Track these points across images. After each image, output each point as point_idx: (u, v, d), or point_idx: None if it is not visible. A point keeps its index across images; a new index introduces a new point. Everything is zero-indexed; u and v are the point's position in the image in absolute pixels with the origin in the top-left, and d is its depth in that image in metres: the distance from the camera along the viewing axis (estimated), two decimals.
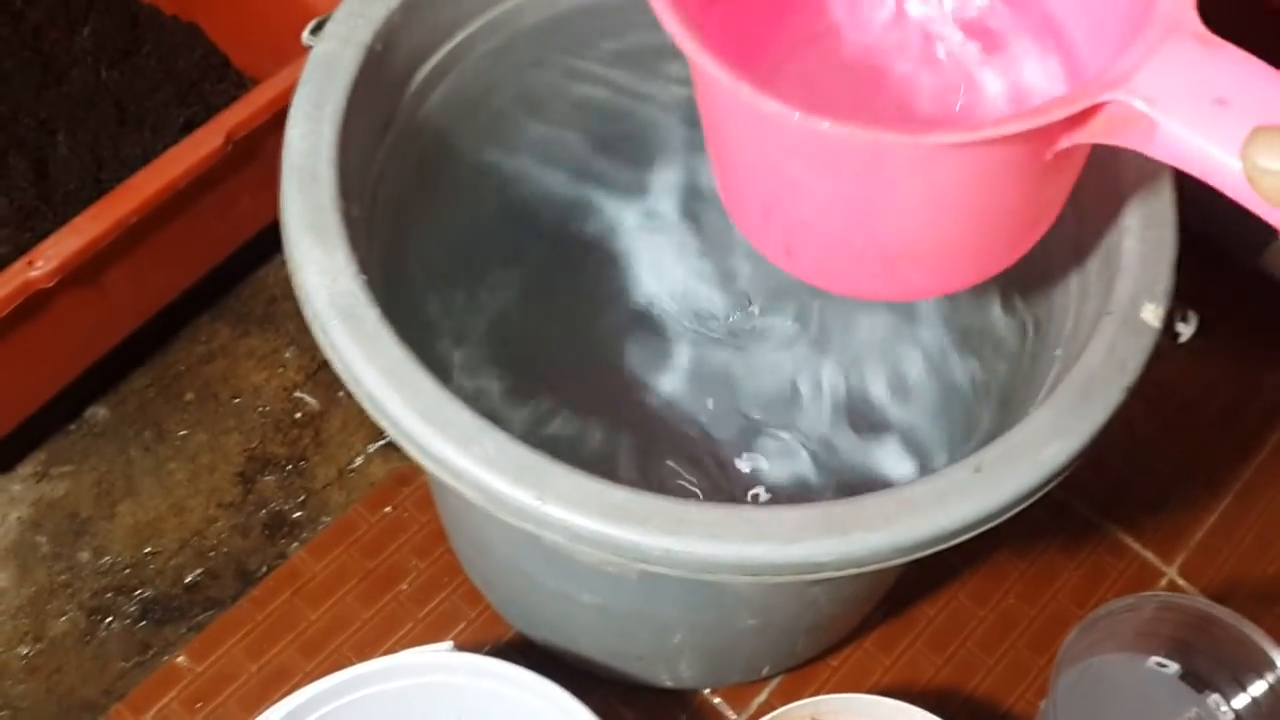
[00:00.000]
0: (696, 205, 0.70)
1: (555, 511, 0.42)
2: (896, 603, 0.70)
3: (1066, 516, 0.73)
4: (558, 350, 0.69)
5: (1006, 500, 0.44)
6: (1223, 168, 0.35)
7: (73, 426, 0.76)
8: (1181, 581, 0.72)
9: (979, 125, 0.37)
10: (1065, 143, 0.39)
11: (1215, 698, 0.57)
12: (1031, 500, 0.45)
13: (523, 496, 0.42)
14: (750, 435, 0.68)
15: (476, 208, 0.63)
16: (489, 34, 0.58)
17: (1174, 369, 0.79)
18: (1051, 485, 0.45)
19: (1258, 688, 0.55)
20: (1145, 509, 0.74)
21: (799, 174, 0.43)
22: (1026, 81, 0.49)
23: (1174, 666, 0.58)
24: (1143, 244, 0.49)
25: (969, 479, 0.44)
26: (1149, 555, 0.72)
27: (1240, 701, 0.56)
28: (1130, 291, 0.48)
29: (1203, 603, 0.56)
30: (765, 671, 0.65)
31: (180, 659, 0.66)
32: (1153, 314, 0.47)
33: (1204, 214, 0.49)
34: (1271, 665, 0.55)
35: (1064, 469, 0.45)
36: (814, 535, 0.42)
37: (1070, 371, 0.46)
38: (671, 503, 0.43)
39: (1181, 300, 0.50)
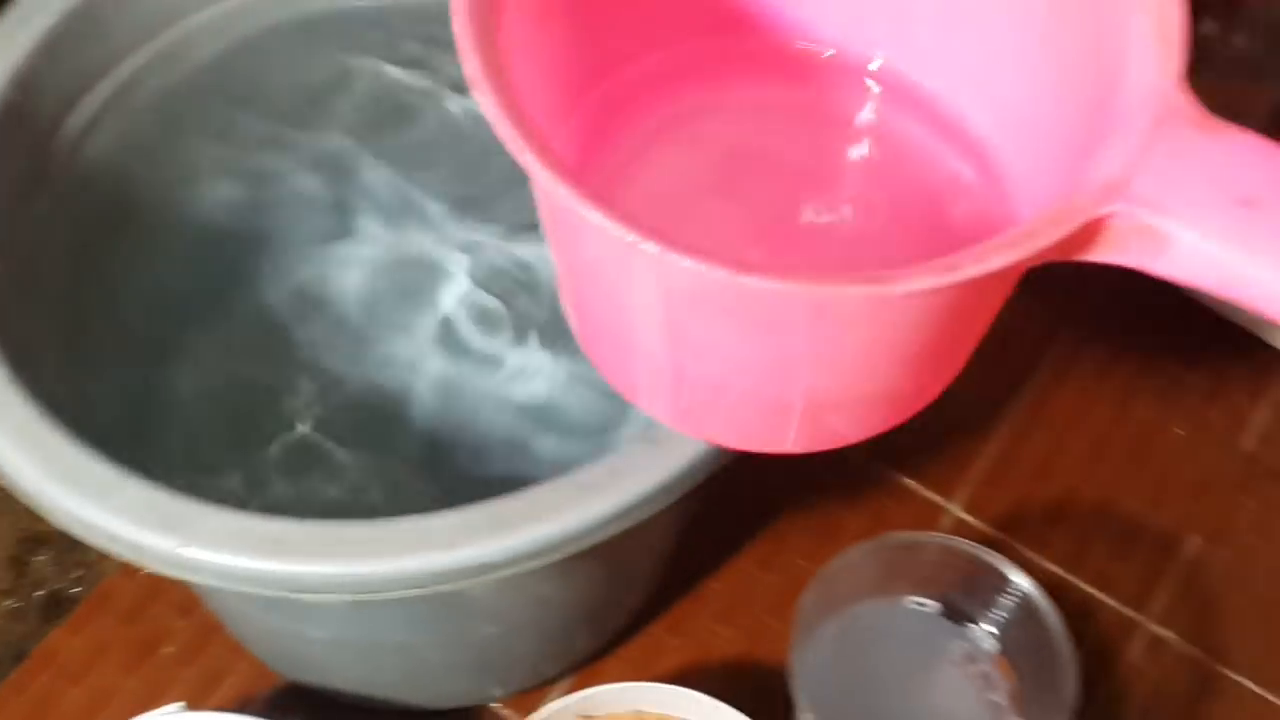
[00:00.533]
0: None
1: (199, 554, 0.40)
2: (682, 583, 0.68)
3: (843, 468, 0.73)
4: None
5: (685, 468, 0.43)
6: (1261, 283, 0.30)
7: None
8: (966, 517, 0.71)
9: (955, 264, 0.32)
10: (1042, 261, 0.34)
11: (976, 629, 0.56)
12: (718, 463, 0.44)
13: (164, 543, 0.40)
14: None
15: (172, 260, 0.61)
16: (157, 69, 0.56)
17: None
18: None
19: (1006, 608, 0.55)
20: (922, 450, 0.73)
21: (713, 331, 0.37)
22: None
23: (932, 604, 0.57)
24: None
25: (644, 452, 0.43)
26: (931, 495, 0.72)
27: (996, 624, 0.56)
28: None
29: (936, 537, 0.55)
30: (552, 673, 0.64)
31: None
32: None
33: None
34: (1010, 584, 0.54)
35: None
36: (479, 537, 0.41)
37: None
38: (325, 526, 0.41)
39: None
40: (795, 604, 0.67)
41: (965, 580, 0.55)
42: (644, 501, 0.42)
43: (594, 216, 0.32)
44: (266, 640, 0.57)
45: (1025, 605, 0.54)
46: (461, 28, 0.36)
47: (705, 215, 0.45)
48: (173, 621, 0.66)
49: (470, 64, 0.35)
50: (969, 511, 0.71)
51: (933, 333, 0.38)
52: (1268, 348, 0.75)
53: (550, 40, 0.41)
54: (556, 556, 0.42)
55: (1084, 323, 0.79)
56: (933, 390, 0.44)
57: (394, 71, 0.63)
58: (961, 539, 0.55)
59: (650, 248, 0.32)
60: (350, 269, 0.69)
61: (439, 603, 0.48)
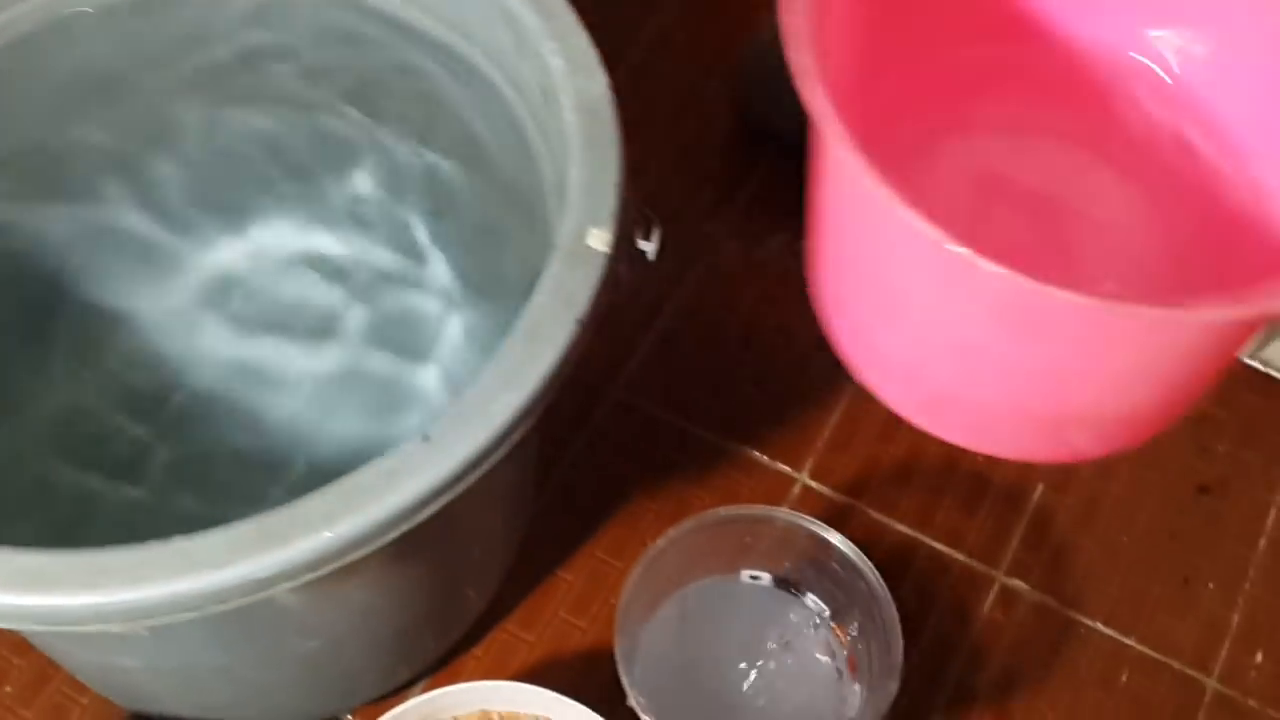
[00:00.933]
0: None
1: None
2: (531, 578, 0.68)
3: (691, 446, 0.72)
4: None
5: (461, 464, 0.42)
6: None
7: None
8: (814, 485, 0.71)
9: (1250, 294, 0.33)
10: None
11: (810, 597, 0.56)
12: (496, 456, 0.43)
13: None
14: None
15: None
16: None
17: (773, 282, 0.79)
18: (514, 436, 0.43)
19: (833, 572, 0.55)
20: (767, 422, 0.73)
21: (992, 337, 0.39)
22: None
23: (765, 576, 0.57)
24: (586, 169, 0.48)
25: (418, 451, 0.42)
26: (779, 466, 0.72)
27: (827, 590, 0.56)
28: (576, 221, 0.46)
29: (755, 509, 0.55)
30: (404, 678, 0.63)
31: None
32: (598, 239, 0.46)
33: None
34: (826, 545, 0.54)
35: (520, 419, 0.43)
36: (251, 552, 0.40)
37: (519, 319, 0.44)
38: (88, 554, 0.39)
39: (647, 217, 0.49)
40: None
41: (792, 549, 0.55)
42: (420, 503, 0.41)
43: (909, 217, 0.35)
44: (91, 672, 0.55)
45: (848, 568, 0.54)
46: (795, 23, 0.38)
47: (984, 219, 0.48)
48: (11, 660, 0.64)
49: (802, 58, 0.38)
50: (817, 479, 0.71)
51: (1199, 360, 0.39)
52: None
53: (850, 37, 0.43)
54: (335, 565, 0.41)
55: None
56: (1171, 416, 0.44)
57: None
58: (777, 508, 0.55)
59: (962, 251, 0.35)
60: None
61: (241, 621, 0.47)
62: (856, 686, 0.54)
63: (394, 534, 0.41)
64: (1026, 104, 0.50)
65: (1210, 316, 0.34)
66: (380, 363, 0.67)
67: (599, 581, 0.68)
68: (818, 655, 0.56)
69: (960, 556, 0.69)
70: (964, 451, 0.72)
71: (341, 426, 0.66)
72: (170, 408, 0.65)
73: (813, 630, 0.56)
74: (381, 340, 0.67)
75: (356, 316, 0.68)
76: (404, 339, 0.67)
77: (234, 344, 0.67)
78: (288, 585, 0.40)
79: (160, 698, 0.56)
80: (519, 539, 0.65)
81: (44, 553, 0.39)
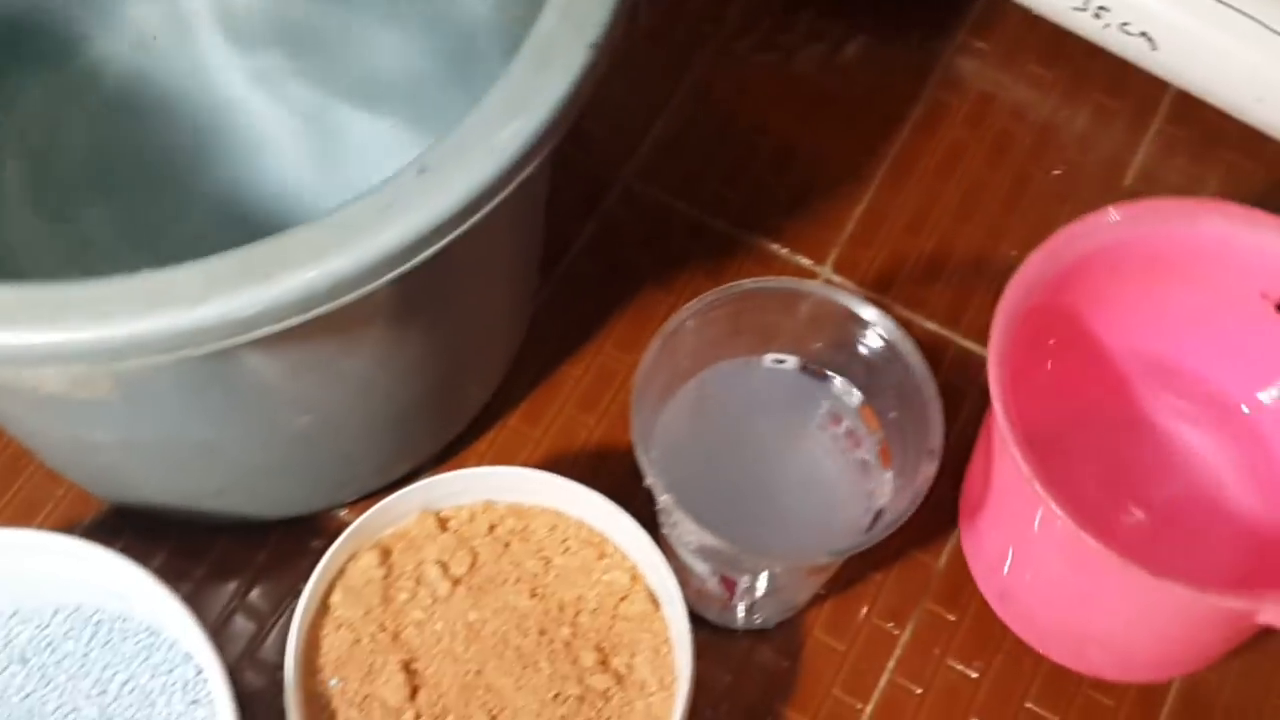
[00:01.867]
0: None
1: None
2: (539, 369, 0.64)
3: (705, 237, 0.68)
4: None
5: (462, 200, 0.37)
6: None
7: None
8: (838, 279, 0.67)
9: None
10: None
11: (839, 381, 0.52)
12: (500, 195, 0.38)
13: None
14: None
15: None
16: None
17: (813, 64, 0.73)
18: (522, 173, 0.38)
19: (867, 353, 0.51)
20: (788, 213, 0.69)
21: (1114, 601, 0.49)
22: None
23: (791, 359, 0.53)
24: None
25: (414, 183, 0.37)
26: (800, 259, 0.67)
27: (858, 373, 0.52)
28: None
29: (784, 282, 0.50)
30: (400, 473, 0.59)
31: None
32: None
33: None
34: (866, 325, 0.50)
35: (529, 151, 0.38)
36: (229, 288, 0.35)
37: (525, 41, 0.39)
38: (47, 287, 0.35)
39: None
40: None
41: (821, 330, 0.51)
42: (417, 241, 0.37)
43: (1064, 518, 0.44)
44: (63, 454, 0.51)
45: (885, 347, 0.50)
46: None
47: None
48: None
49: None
50: (841, 273, 0.67)
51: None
52: (1148, 79, 0.70)
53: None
54: (323, 309, 0.36)
55: (951, 72, 0.73)
56: (1197, 664, 0.54)
57: None
58: (811, 281, 0.50)
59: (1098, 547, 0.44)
60: None
61: (224, 386, 0.43)
62: (888, 474, 0.51)
63: (387, 276, 0.37)
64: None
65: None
66: None
67: (608, 376, 0.64)
68: (846, 443, 0.52)
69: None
70: (996, 244, 0.68)
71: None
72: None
73: (841, 417, 0.52)
74: None
75: None
76: None
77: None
78: (270, 329, 0.36)
79: (140, 484, 0.52)
80: (523, 328, 0.61)
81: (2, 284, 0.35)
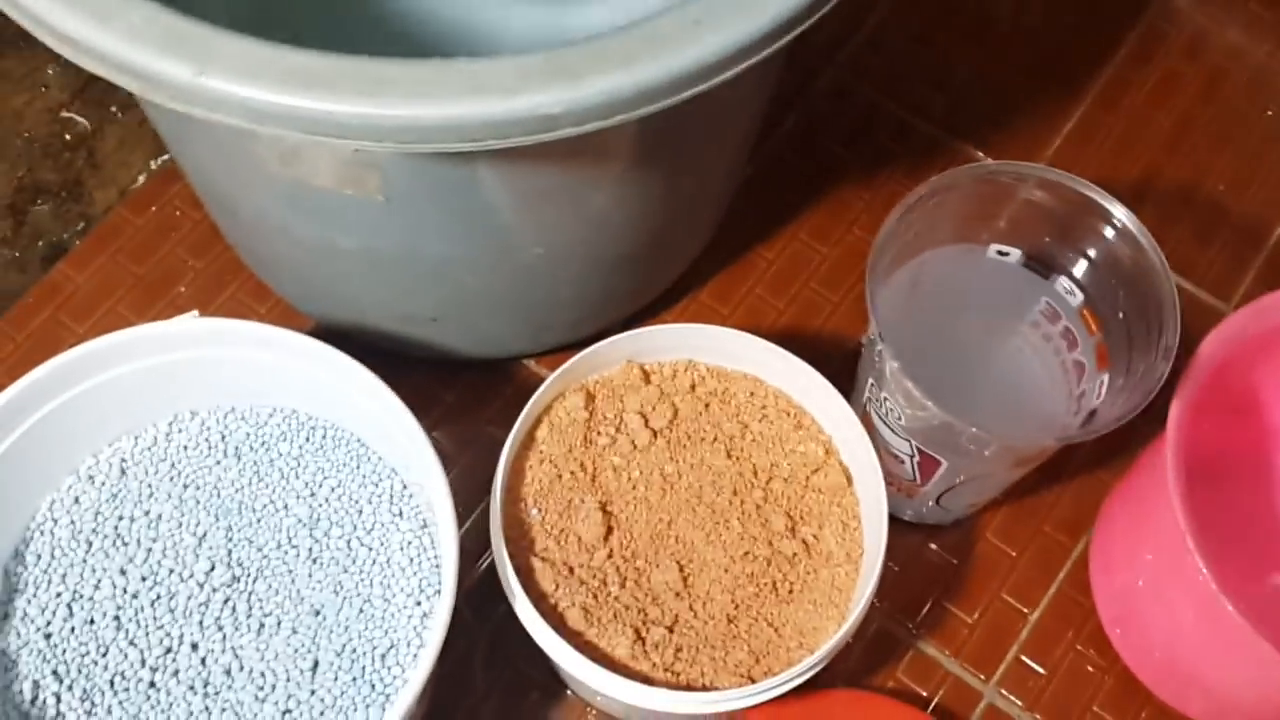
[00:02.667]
0: None
1: (220, 85, 0.35)
2: (731, 249, 0.64)
3: (911, 138, 0.67)
4: None
5: (772, 21, 0.37)
6: None
7: None
8: (1038, 194, 0.66)
9: None
10: None
11: (1062, 280, 0.52)
12: (804, 23, 0.38)
13: (178, 71, 0.35)
14: None
15: None
16: None
17: None
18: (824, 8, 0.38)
19: (1098, 249, 0.50)
20: (995, 123, 0.68)
21: (1235, 663, 0.49)
22: None
23: (1016, 253, 0.52)
24: None
25: (724, 3, 0.37)
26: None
27: (1081, 271, 0.51)
28: None
29: (1029, 167, 0.50)
30: (590, 330, 0.59)
31: None
32: None
33: None
34: (1107, 216, 0.49)
35: None
36: (541, 83, 0.36)
37: None
38: (367, 62, 0.35)
39: None
40: (853, 276, 0.63)
41: (1054, 221, 0.50)
42: (722, 60, 0.37)
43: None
44: (292, 262, 0.52)
45: (1121, 241, 0.49)
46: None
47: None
48: (187, 262, 0.62)
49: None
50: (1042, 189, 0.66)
51: None
52: None
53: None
54: (621, 117, 0.37)
55: (1170, 1, 0.72)
56: None
57: None
58: (1057, 170, 0.50)
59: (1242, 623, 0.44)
60: None
61: (479, 201, 0.44)
62: (1104, 376, 0.50)
63: (687, 92, 0.37)
64: None
65: None
66: None
67: (800, 264, 0.64)
68: (1061, 343, 0.52)
69: (1189, 287, 0.64)
70: (1203, 178, 0.67)
71: None
72: None
73: (1059, 316, 0.52)
74: None
75: None
76: None
77: None
78: (571, 131, 0.36)
79: (362, 300, 0.53)
80: (727, 201, 0.61)
81: (321, 55, 0.35)
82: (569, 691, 0.55)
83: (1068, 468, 0.59)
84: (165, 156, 0.68)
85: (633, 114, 0.37)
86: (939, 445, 0.50)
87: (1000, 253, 0.53)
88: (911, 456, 0.51)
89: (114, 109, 0.71)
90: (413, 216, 0.44)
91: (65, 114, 0.71)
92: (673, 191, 0.50)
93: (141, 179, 0.67)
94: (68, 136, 0.70)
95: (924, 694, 0.55)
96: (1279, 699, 0.49)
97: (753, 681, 0.48)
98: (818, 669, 0.47)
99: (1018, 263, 0.53)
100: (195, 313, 0.48)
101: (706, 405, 0.53)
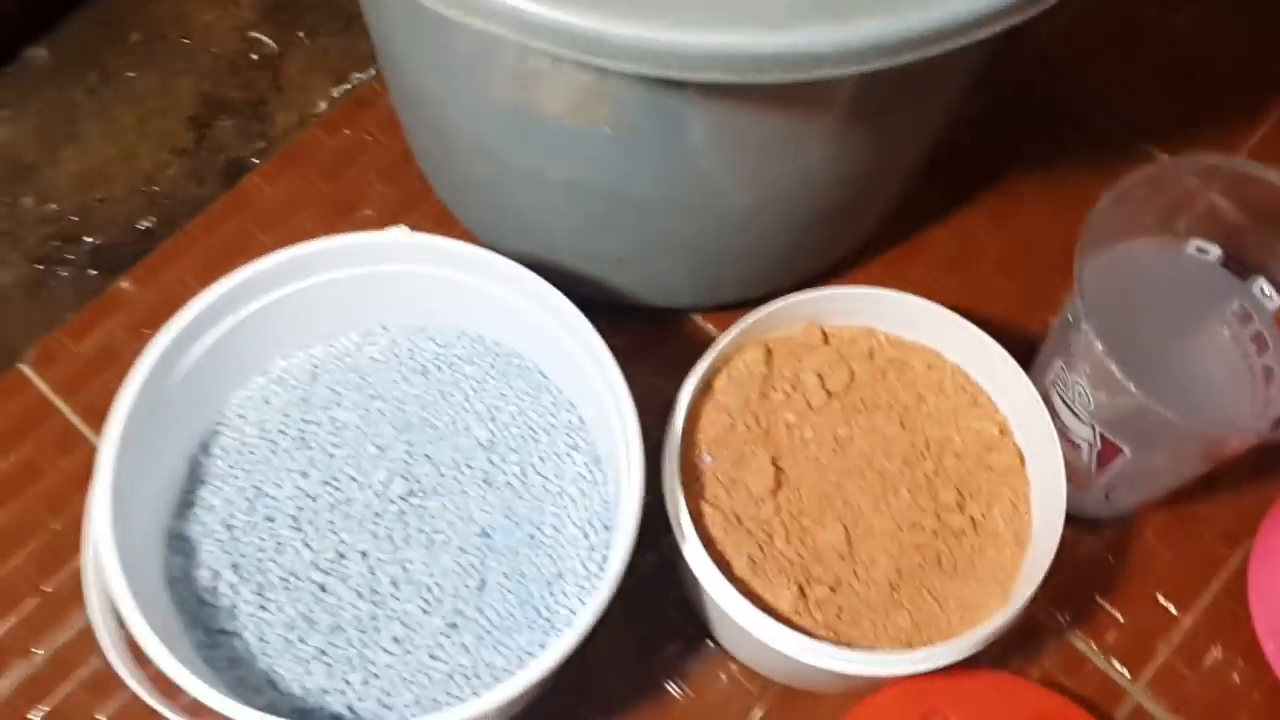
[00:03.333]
0: None
1: None
2: (906, 226, 0.64)
3: (1094, 133, 0.67)
4: None
5: None
6: None
7: (10, 69, 0.70)
8: (1220, 201, 0.65)
9: None
10: None
11: (1261, 282, 0.51)
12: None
13: None
14: None
15: None
16: None
17: None
18: None
19: None
20: (1181, 126, 0.67)
21: None
22: None
23: (1215, 251, 0.52)
24: None
25: None
26: None
27: None
28: None
29: (1251, 165, 0.49)
30: (762, 290, 0.60)
31: (123, 284, 0.61)
32: None
33: None
34: None
35: None
36: (810, 18, 0.36)
37: None
38: None
39: None
40: (1026, 264, 0.62)
41: (1263, 222, 0.50)
42: (994, 12, 0.37)
43: None
44: (493, 190, 0.53)
45: None
46: None
47: None
48: (374, 186, 0.63)
49: None
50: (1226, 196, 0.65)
51: None
52: None
53: None
54: (882, 62, 0.37)
55: None
56: None
57: None
58: (1268, 166, 0.49)
59: None
60: None
61: (700, 142, 0.44)
62: None
63: (946, 44, 0.37)
64: None
65: None
66: None
67: (973, 248, 0.64)
68: (1250, 346, 0.51)
69: None
70: None
71: None
72: None
73: (1252, 318, 0.51)
74: None
75: None
76: None
77: None
78: (831, 71, 0.36)
79: (553, 233, 0.53)
80: (918, 172, 0.61)
81: None
82: (710, 643, 0.55)
83: (1231, 476, 0.59)
84: (348, 85, 0.69)
85: (893, 60, 0.37)
86: (1125, 433, 0.49)
87: (1200, 250, 0.52)
88: (1091, 444, 0.51)
89: (300, 33, 0.72)
90: (632, 152, 0.45)
91: (253, 34, 0.73)
92: (881, 152, 0.50)
93: (323, 105, 0.69)
94: (254, 56, 0.72)
95: (1069, 686, 0.55)
96: None
97: (912, 649, 0.48)
98: (981, 647, 0.47)
99: (1216, 261, 0.52)
100: (405, 227, 0.48)
101: (884, 373, 0.53)
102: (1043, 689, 0.54)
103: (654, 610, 0.55)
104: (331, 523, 0.50)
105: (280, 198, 0.62)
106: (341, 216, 0.62)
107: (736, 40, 0.36)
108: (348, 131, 0.64)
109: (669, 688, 0.54)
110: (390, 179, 0.63)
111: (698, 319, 0.61)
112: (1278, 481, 0.58)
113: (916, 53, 0.37)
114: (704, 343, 0.60)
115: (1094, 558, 0.57)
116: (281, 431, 0.51)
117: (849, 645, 0.48)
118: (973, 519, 0.51)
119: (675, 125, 0.43)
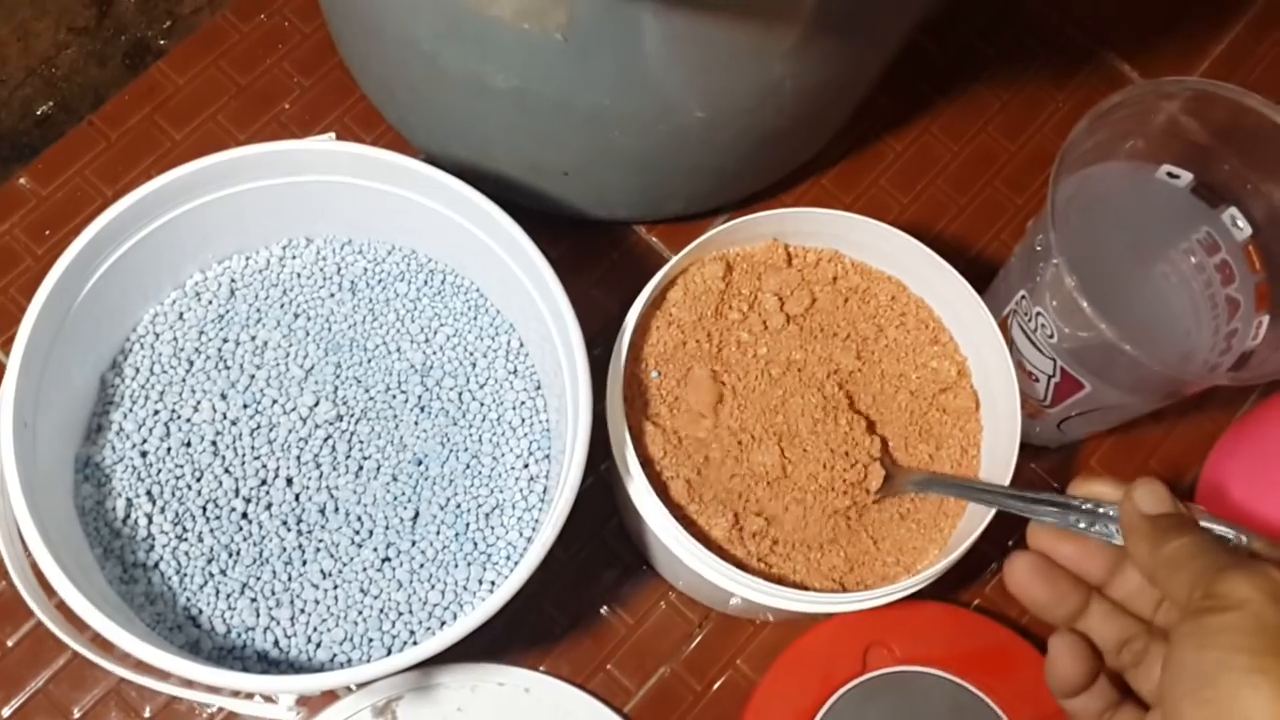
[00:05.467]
0: None
1: None
2: (859, 137, 0.61)
3: (1058, 42, 0.64)
4: None
5: None
6: None
7: None
8: (1195, 125, 0.63)
9: None
10: None
11: (1231, 211, 0.49)
12: None
13: None
14: None
15: None
16: None
17: None
18: None
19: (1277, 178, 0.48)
20: (1143, 36, 0.65)
21: None
22: None
23: (1186, 177, 0.50)
24: None
25: None
26: None
27: (1259, 209, 0.48)
28: None
29: (1236, 91, 0.47)
30: (711, 205, 0.57)
31: (22, 180, 0.56)
32: None
33: None
34: None
35: None
36: None
37: None
38: None
39: None
40: (983, 179, 0.60)
41: (1241, 150, 0.48)
42: None
43: None
44: (428, 93, 0.49)
45: None
46: None
47: None
48: (293, 77, 0.59)
49: None
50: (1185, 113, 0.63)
51: None
52: None
53: None
54: None
55: None
56: None
57: None
58: (1256, 95, 0.47)
59: None
60: None
61: (658, 52, 0.41)
62: (1262, 319, 0.48)
63: None
64: None
65: None
66: None
67: (929, 159, 0.61)
68: (1216, 275, 0.50)
69: None
70: None
71: None
72: None
73: (1219, 247, 0.49)
74: None
75: None
76: None
77: None
78: None
79: (492, 141, 0.50)
80: (876, 82, 0.58)
81: None
82: (649, 570, 0.53)
83: (1180, 404, 0.58)
84: None
85: None
86: (1088, 368, 0.48)
87: (1171, 174, 0.50)
88: (1050, 376, 0.49)
89: None
90: (586, 61, 0.41)
91: None
92: (846, 66, 0.47)
93: None
94: None
95: (1010, 615, 0.54)
96: None
97: (844, 589, 0.47)
98: (911, 590, 0.46)
99: (1186, 187, 0.50)
100: (332, 135, 0.45)
101: (846, 300, 0.51)
102: (985, 619, 0.53)
103: (592, 535, 0.53)
104: (254, 448, 0.46)
105: (191, 89, 0.57)
106: (258, 111, 0.57)
107: None
108: (263, 16, 0.59)
109: (606, 615, 0.52)
110: (311, 70, 0.58)
111: (641, 231, 0.58)
112: (1228, 411, 0.57)
113: None
114: (647, 255, 0.58)
115: (1038, 485, 0.56)
116: (198, 350, 0.47)
117: (781, 581, 0.46)
118: (918, 460, 0.49)
119: (634, 34, 0.40)
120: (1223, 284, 0.50)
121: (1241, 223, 0.49)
